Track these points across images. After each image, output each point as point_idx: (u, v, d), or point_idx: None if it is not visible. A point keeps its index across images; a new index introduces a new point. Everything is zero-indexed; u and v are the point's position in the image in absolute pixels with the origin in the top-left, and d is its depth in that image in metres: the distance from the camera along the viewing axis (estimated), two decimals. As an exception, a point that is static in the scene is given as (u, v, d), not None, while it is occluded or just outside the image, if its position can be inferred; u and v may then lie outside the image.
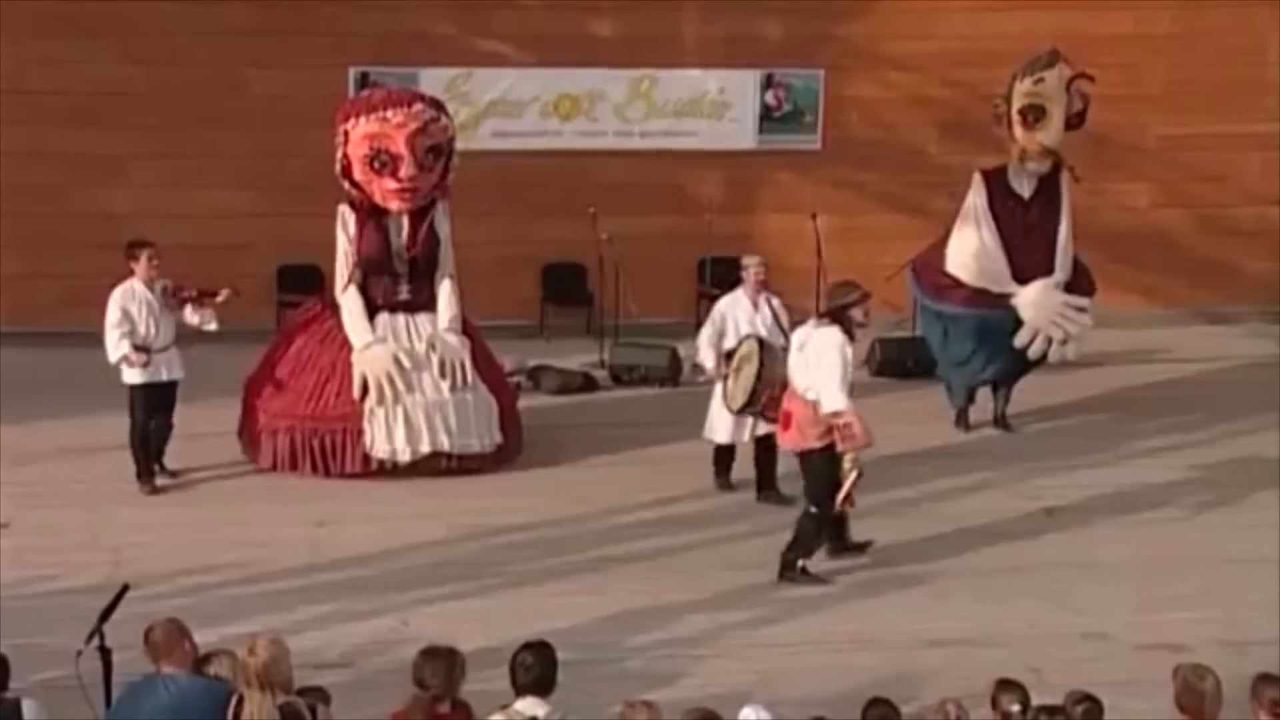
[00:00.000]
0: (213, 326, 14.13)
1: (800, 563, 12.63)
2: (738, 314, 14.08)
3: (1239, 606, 12.15)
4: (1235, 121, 18.75)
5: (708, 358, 14.14)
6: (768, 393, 13.07)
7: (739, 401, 13.39)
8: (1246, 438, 15.66)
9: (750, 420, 13.71)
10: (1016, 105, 15.42)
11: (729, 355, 13.76)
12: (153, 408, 14.00)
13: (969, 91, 16.24)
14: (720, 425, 14.10)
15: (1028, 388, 15.62)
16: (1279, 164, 18.85)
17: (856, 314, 12.44)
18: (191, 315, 14.08)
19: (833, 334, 12.34)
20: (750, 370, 13.25)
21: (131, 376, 13.91)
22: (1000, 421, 15.96)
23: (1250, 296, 19.12)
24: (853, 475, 12.43)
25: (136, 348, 13.74)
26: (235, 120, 17.68)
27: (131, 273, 13.91)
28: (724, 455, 14.33)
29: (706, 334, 14.17)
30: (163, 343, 13.91)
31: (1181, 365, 17.27)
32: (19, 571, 12.28)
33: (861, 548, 13.04)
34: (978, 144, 15.98)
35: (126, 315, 13.77)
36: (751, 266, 14.21)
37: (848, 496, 12.56)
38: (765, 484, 14.07)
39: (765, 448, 13.91)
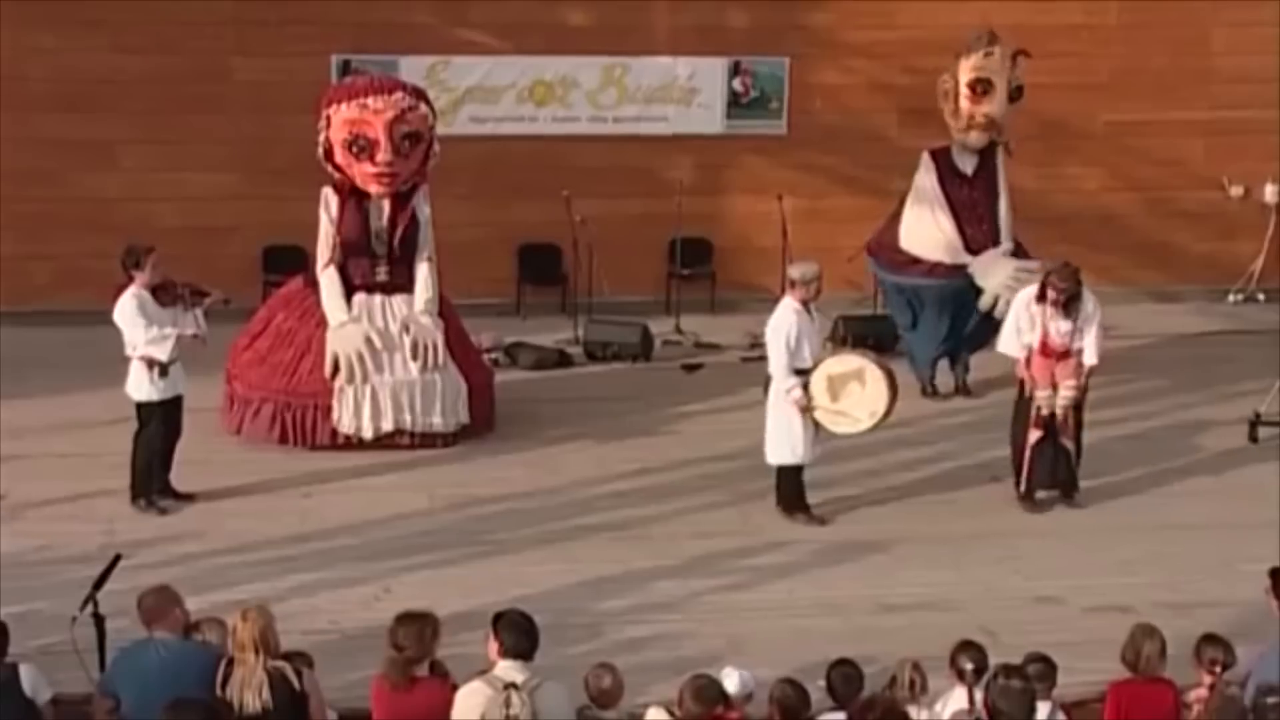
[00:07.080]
0: (204, 332, 13.27)
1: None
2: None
3: (1183, 570, 12.46)
4: (1180, 109, 18.96)
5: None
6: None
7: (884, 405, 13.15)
8: (1189, 410, 15.94)
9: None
10: (965, 79, 15.91)
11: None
12: (168, 424, 13.25)
13: (928, 79, 16.28)
14: (800, 443, 13.16)
15: (987, 361, 15.74)
16: (1221, 149, 19.07)
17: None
18: (185, 320, 13.09)
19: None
20: (879, 380, 13.12)
21: (147, 393, 13.08)
22: (963, 389, 16.36)
23: (1194, 275, 19.35)
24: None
25: (154, 363, 13.02)
26: (221, 107, 17.77)
27: (131, 280, 12.97)
28: (796, 481, 13.36)
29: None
30: (176, 353, 13.11)
31: (1128, 341, 17.29)
32: (15, 541, 12.48)
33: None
34: (937, 129, 16.17)
35: (152, 323, 12.96)
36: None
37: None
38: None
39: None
